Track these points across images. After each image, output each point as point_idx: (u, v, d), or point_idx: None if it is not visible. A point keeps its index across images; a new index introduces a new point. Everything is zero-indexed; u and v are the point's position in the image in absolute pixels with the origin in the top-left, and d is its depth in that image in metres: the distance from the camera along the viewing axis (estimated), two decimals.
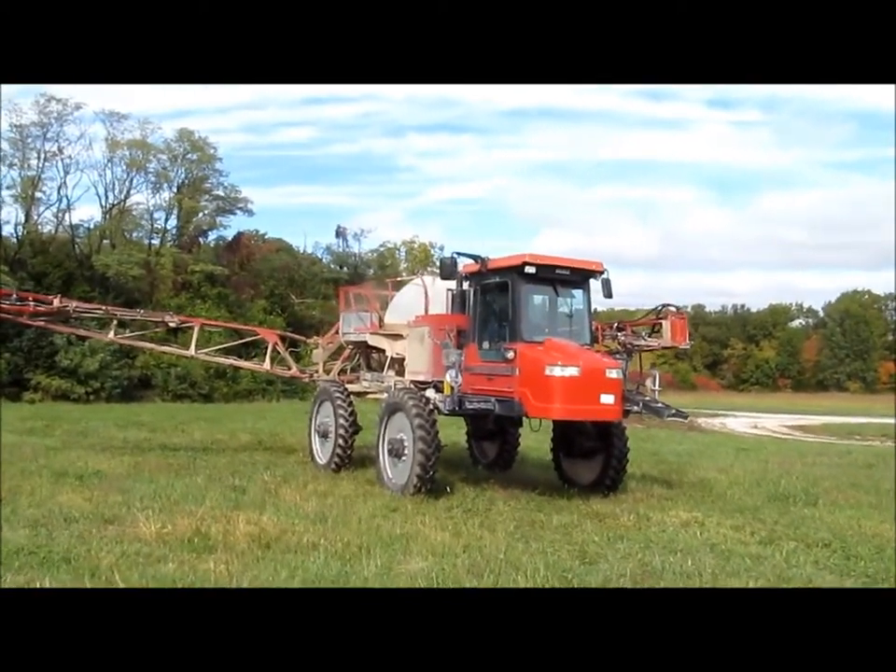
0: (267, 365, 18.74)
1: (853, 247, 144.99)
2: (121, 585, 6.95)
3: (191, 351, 18.48)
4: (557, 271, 12.79)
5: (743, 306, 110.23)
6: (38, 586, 6.81)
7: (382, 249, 66.24)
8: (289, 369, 18.92)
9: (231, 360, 20.14)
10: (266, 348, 18.64)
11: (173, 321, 18.59)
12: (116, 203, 50.63)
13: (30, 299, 17.37)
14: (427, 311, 14.46)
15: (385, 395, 14.13)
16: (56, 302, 17.26)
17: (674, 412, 13.56)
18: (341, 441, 15.02)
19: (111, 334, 17.98)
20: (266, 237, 61.79)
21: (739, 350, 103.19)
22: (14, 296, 17.21)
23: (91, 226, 51.09)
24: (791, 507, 12.78)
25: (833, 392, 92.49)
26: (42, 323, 18.52)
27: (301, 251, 61.85)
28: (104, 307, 19.14)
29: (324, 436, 15.75)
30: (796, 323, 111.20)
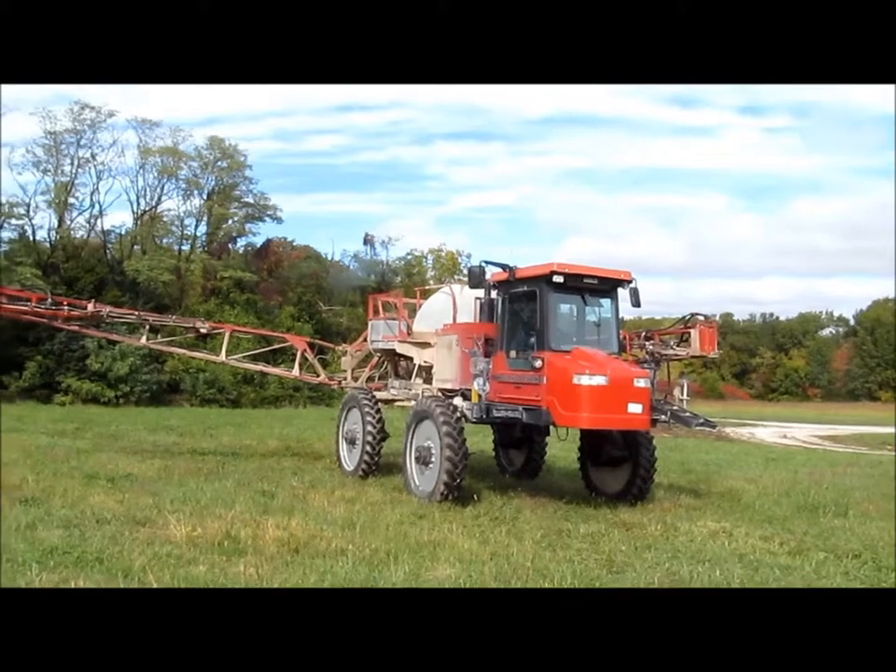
0: (296, 371, 18.94)
1: (885, 254, 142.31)
2: (154, 585, 7.07)
3: (222, 356, 18.72)
4: (585, 280, 12.77)
5: (772, 314, 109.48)
6: (73, 584, 6.94)
7: (409, 257, 66.28)
8: (318, 375, 19.08)
9: (260, 366, 20.31)
10: (295, 354, 18.85)
11: (204, 327, 18.82)
12: (147, 209, 51.21)
13: (64, 303, 17.72)
14: (455, 319, 14.52)
15: (413, 402, 14.19)
16: (90, 307, 17.62)
17: (702, 421, 13.50)
18: (368, 448, 15.09)
19: (143, 339, 18.30)
20: (294, 244, 62.14)
21: (768, 359, 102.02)
22: (49, 300, 17.56)
23: (123, 231, 51.83)
24: (821, 517, 12.66)
25: (865, 402, 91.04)
26: (76, 327, 18.83)
27: (329, 259, 62.15)
28: (136, 312, 19.43)
29: (352, 443, 15.84)
30: (826, 332, 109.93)
